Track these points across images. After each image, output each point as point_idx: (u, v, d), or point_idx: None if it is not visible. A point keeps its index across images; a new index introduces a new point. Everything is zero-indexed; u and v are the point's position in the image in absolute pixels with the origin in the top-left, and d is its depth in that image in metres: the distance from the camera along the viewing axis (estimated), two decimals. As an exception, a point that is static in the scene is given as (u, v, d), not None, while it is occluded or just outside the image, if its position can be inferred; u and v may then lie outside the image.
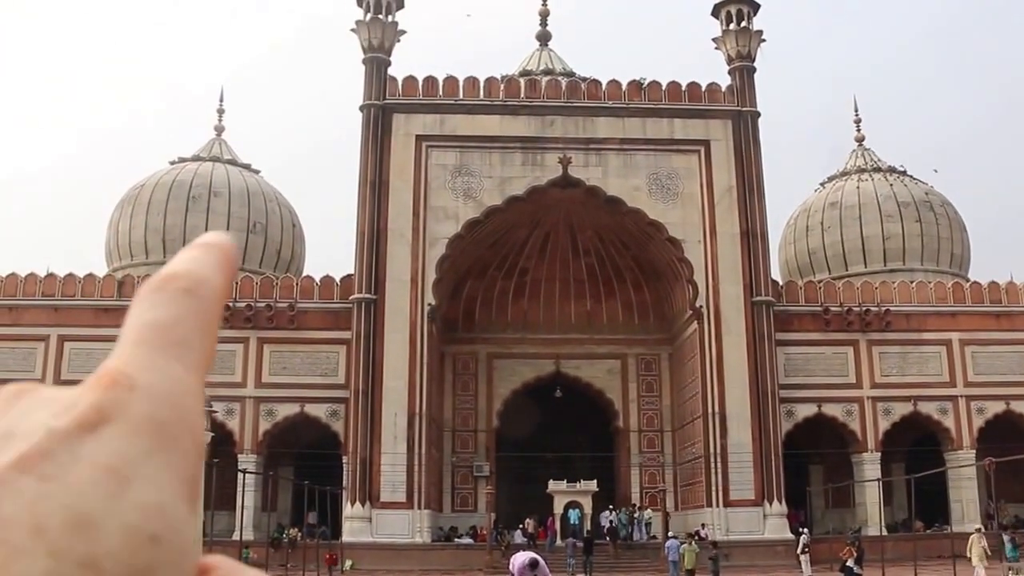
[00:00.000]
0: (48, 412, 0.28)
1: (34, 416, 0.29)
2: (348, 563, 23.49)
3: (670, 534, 22.49)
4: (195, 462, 0.29)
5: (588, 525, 24.89)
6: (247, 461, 24.37)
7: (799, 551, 21.90)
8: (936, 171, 33.27)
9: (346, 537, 23.98)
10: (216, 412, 23.34)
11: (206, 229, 30.75)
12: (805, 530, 22.83)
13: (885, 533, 23.49)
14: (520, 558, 12.26)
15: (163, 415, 0.28)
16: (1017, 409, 27.23)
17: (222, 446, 22.70)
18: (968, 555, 17.05)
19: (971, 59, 71.61)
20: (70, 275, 27.24)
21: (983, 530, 19.87)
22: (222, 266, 0.33)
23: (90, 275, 27.56)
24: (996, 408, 27.31)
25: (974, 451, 26.36)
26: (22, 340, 26.29)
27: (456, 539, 25.96)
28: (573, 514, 25.22)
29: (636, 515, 26.70)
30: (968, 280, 30.10)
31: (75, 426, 0.27)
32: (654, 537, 25.82)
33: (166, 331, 0.30)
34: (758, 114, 27.60)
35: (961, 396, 27.26)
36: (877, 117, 72.01)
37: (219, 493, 21.83)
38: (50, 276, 27.19)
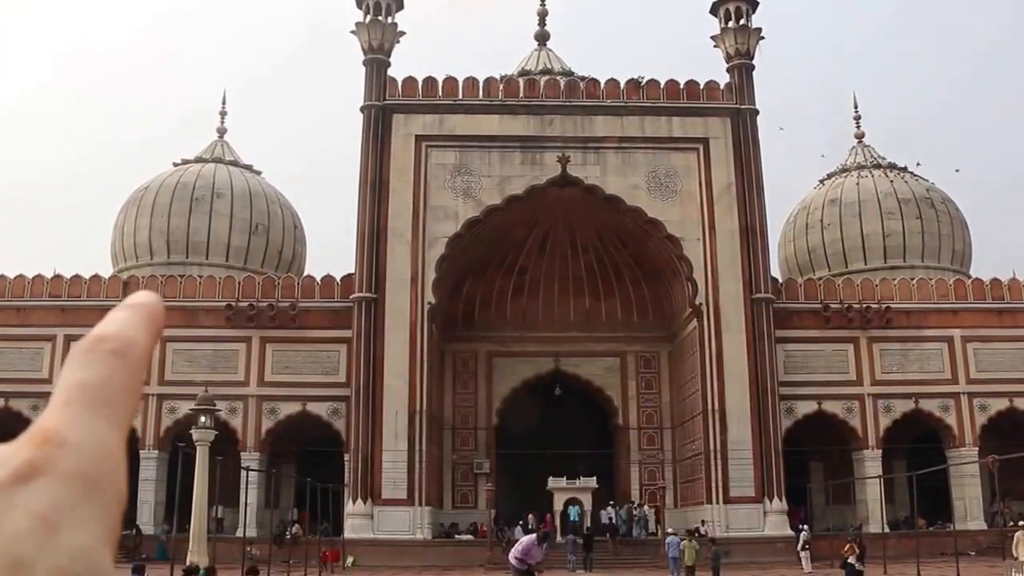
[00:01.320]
0: None
1: None
2: (350, 559, 23.71)
3: (670, 530, 22.56)
4: (116, 512, 0.32)
5: (588, 522, 25.01)
6: (250, 459, 24.63)
7: (799, 548, 21.93)
8: (919, 164, 32.99)
9: (348, 534, 24.20)
10: (220, 411, 23.58)
11: (209, 230, 31.14)
12: (805, 527, 22.85)
13: (887, 530, 23.47)
14: (528, 538, 12.45)
15: (90, 469, 0.31)
16: (1020, 406, 27.09)
17: (225, 444, 22.94)
18: (1014, 552, 16.81)
19: (971, 58, 71.16)
20: (76, 276, 27.63)
21: None
22: (148, 326, 0.36)
23: (96, 276, 27.94)
24: (999, 405, 27.19)
25: (976, 448, 26.26)
26: (30, 340, 26.70)
27: (456, 536, 26.14)
28: (573, 511, 25.35)
29: (636, 512, 26.79)
30: (970, 277, 29.97)
31: (10, 478, 0.30)
32: (653, 534, 25.91)
33: (94, 391, 0.33)
34: (757, 112, 27.63)
35: (963, 393, 27.16)
36: (877, 114, 71.74)
37: (223, 490, 22.14)
38: (57, 277, 27.59)
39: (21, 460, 0.31)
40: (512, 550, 12.65)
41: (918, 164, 32.54)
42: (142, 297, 0.38)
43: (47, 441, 0.31)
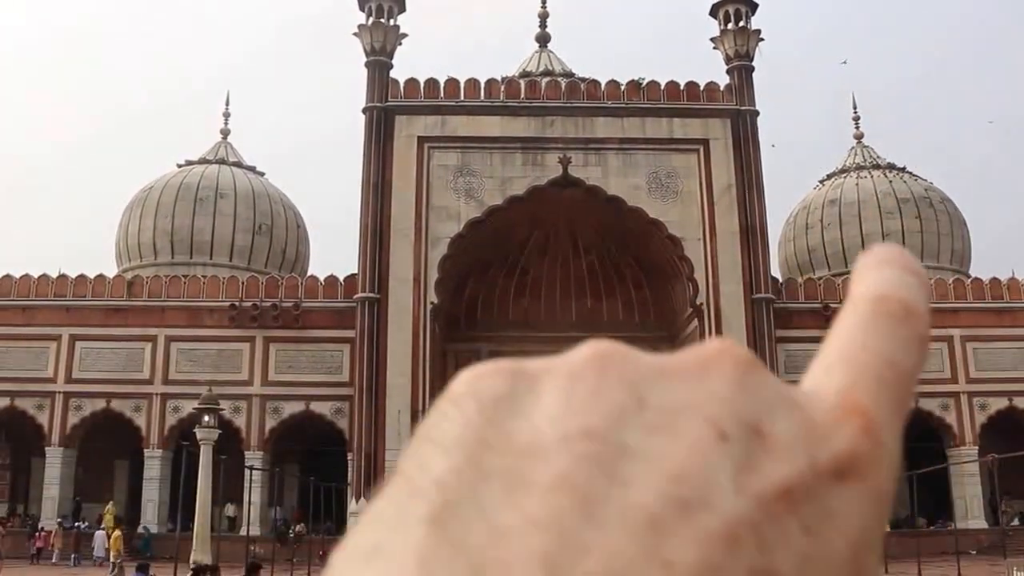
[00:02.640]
0: (791, 421, 0.23)
1: (778, 411, 0.24)
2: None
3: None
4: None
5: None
6: (254, 458, 24.80)
7: None
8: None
9: (350, 532, 24.31)
10: (223, 410, 23.79)
11: (213, 230, 31.35)
12: None
13: (887, 530, 23.57)
14: None
15: (891, 490, 0.24)
16: (1020, 405, 27.21)
17: (229, 443, 23.13)
18: None
19: (973, 57, 71.21)
20: (81, 276, 27.82)
21: None
22: (928, 309, 0.28)
23: (101, 276, 28.13)
24: (999, 404, 27.31)
25: (976, 448, 26.38)
26: (35, 340, 26.91)
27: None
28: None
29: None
30: (969, 276, 30.10)
31: (832, 469, 0.23)
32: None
33: (904, 385, 0.26)
34: (757, 113, 27.79)
35: (963, 393, 27.28)
36: (877, 114, 71.85)
37: (226, 489, 22.32)
38: (62, 277, 27.79)
39: (846, 445, 0.23)
40: None
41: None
42: (919, 265, 0.29)
43: (869, 430, 0.24)
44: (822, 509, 0.22)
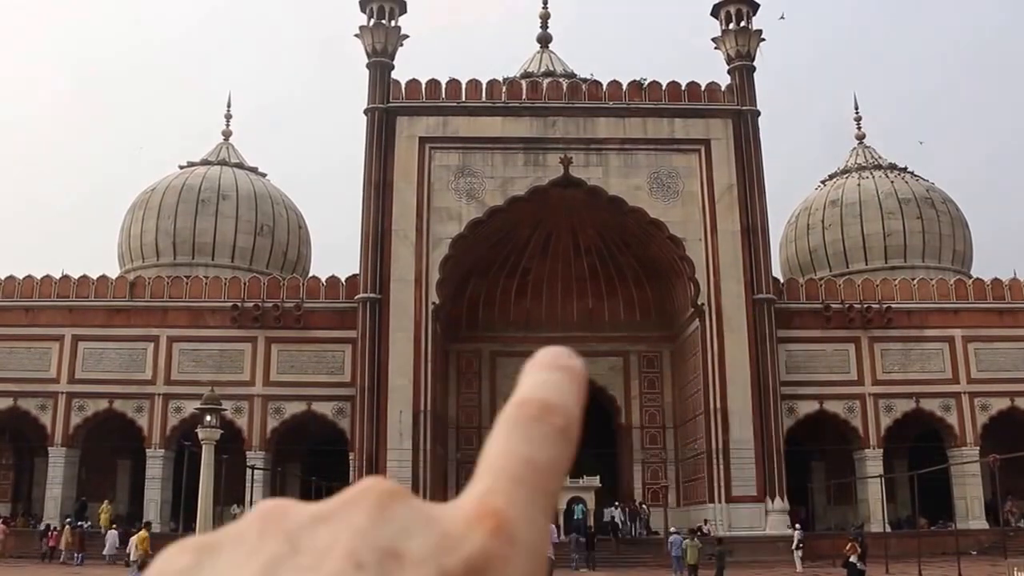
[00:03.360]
0: (425, 537, 0.26)
1: (404, 534, 0.26)
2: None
3: (672, 529, 22.72)
4: None
5: (591, 521, 25.17)
6: (256, 458, 24.86)
7: (794, 547, 22.06)
8: (922, 143, 33.22)
9: (352, 532, 24.33)
10: (225, 410, 23.85)
11: (215, 231, 31.41)
12: (799, 526, 23.00)
13: (888, 530, 23.58)
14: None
15: None
16: (1021, 405, 27.18)
17: (231, 443, 23.19)
18: None
19: (975, 56, 71.15)
20: (84, 277, 27.91)
21: None
22: (580, 400, 0.32)
23: (103, 277, 28.21)
24: (1000, 405, 27.27)
25: (978, 448, 26.36)
26: (38, 340, 26.98)
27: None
28: (578, 509, 25.49)
29: (641, 513, 27.00)
30: (971, 277, 30.07)
31: (462, 570, 0.26)
32: (656, 532, 26.08)
33: (541, 477, 0.28)
34: (758, 113, 27.80)
35: (964, 393, 27.26)
36: (878, 113, 71.76)
37: (228, 489, 22.36)
38: (65, 278, 27.88)
39: (476, 549, 0.26)
40: None
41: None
42: (569, 360, 0.33)
43: (500, 531, 0.26)
44: None
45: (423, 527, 0.26)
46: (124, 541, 21.90)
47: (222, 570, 0.25)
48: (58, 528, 24.32)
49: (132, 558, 19.02)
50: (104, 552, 22.61)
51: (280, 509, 0.27)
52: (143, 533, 19.29)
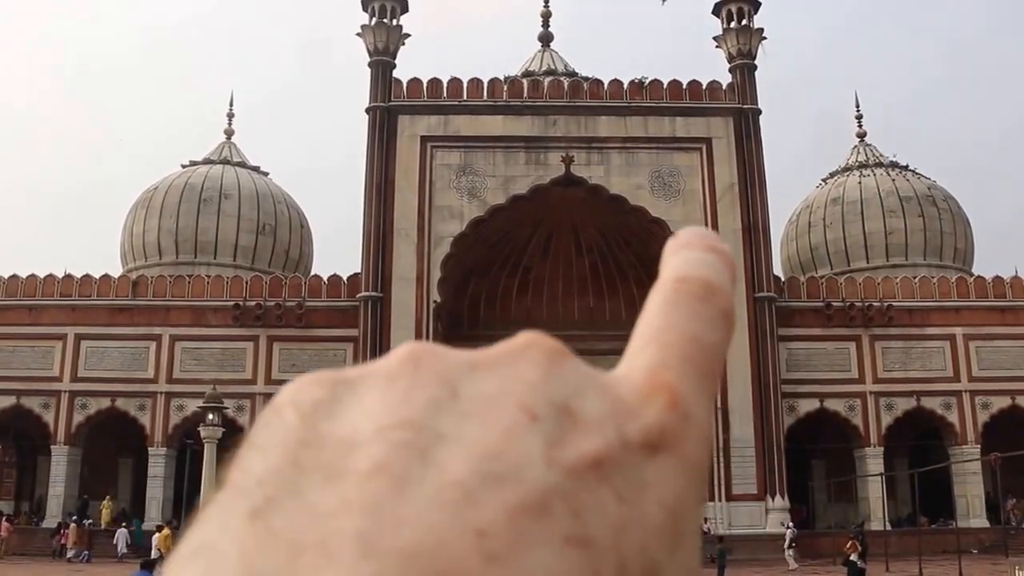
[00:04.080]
0: (601, 401, 0.24)
1: (579, 391, 0.25)
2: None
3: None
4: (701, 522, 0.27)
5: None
6: (257, 456, 24.91)
7: (786, 546, 22.04)
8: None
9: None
10: (227, 408, 23.95)
11: (217, 230, 31.48)
12: (791, 525, 23.01)
13: (889, 528, 23.60)
14: None
15: (703, 462, 0.25)
16: (1022, 404, 27.18)
17: (233, 442, 23.24)
18: None
19: (976, 61, 71.02)
20: (87, 276, 28.00)
21: None
22: (733, 284, 0.29)
23: (106, 276, 28.31)
24: (1001, 403, 27.28)
25: (979, 446, 26.36)
26: (41, 339, 27.08)
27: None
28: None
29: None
30: (972, 275, 30.05)
31: (641, 442, 0.24)
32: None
33: (709, 359, 0.27)
34: (759, 111, 27.82)
35: (965, 391, 27.27)
36: (880, 112, 71.67)
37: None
38: (68, 277, 27.97)
39: (653, 421, 0.24)
40: None
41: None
42: (722, 243, 0.30)
43: (675, 406, 0.25)
44: (635, 479, 0.23)
45: (596, 390, 0.25)
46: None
47: (369, 408, 0.24)
48: (66, 526, 24.44)
49: (153, 557, 19.11)
50: (119, 551, 22.68)
51: (432, 352, 0.25)
52: (165, 532, 19.32)
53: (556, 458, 0.22)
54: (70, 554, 23.45)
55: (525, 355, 0.25)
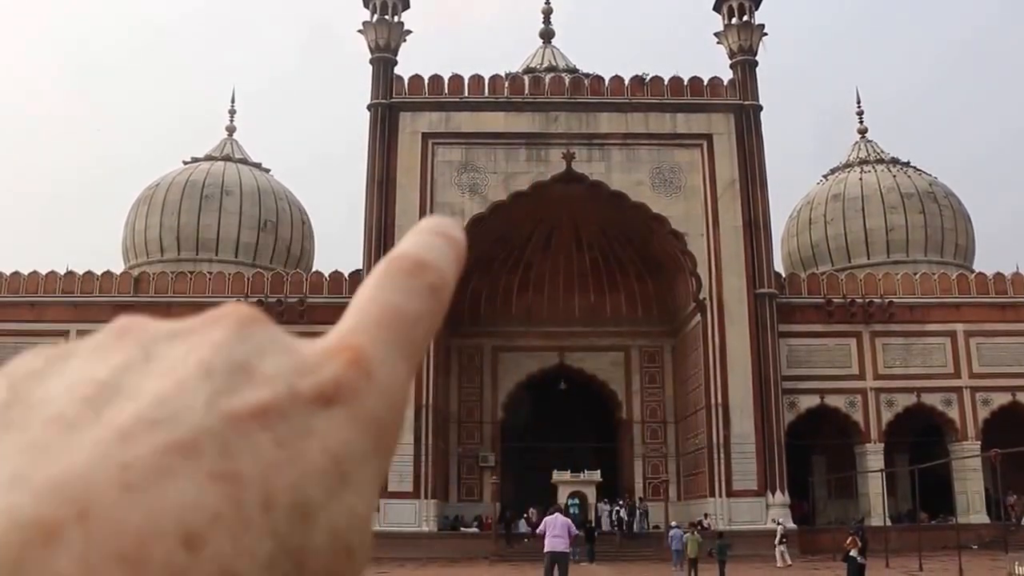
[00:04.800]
0: (282, 359, 0.26)
1: (266, 353, 0.26)
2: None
3: (673, 524, 22.83)
4: (386, 474, 0.27)
5: (592, 514, 25.32)
6: (259, 452, 25.04)
7: (776, 542, 22.06)
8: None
9: (355, 525, 24.51)
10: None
11: (219, 228, 31.56)
12: (780, 520, 23.07)
13: (889, 524, 23.65)
14: (561, 518, 12.61)
15: (384, 417, 0.26)
16: (1023, 400, 27.20)
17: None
18: None
19: (977, 57, 70.82)
20: (89, 273, 28.10)
21: None
22: (457, 267, 0.31)
23: (108, 273, 28.40)
24: (1002, 399, 27.30)
25: (979, 442, 26.38)
26: (43, 336, 27.15)
27: (462, 528, 26.50)
28: (572, 504, 25.57)
29: (639, 507, 27.15)
30: (973, 271, 30.05)
31: (314, 393, 0.25)
32: (657, 527, 26.21)
33: (408, 326, 0.28)
34: (760, 108, 27.80)
35: (966, 387, 27.28)
36: (881, 109, 71.53)
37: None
38: (70, 274, 28.07)
39: (329, 376, 0.25)
40: (557, 539, 12.25)
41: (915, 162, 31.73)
42: (453, 230, 0.32)
43: (356, 363, 0.26)
44: (300, 427, 0.24)
45: (281, 351, 0.26)
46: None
47: (71, 372, 0.25)
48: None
49: None
50: None
51: (139, 324, 0.27)
52: None
53: (217, 406, 0.23)
54: None
55: (220, 321, 0.27)
